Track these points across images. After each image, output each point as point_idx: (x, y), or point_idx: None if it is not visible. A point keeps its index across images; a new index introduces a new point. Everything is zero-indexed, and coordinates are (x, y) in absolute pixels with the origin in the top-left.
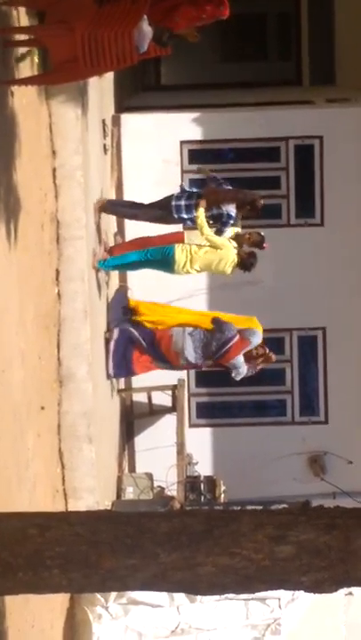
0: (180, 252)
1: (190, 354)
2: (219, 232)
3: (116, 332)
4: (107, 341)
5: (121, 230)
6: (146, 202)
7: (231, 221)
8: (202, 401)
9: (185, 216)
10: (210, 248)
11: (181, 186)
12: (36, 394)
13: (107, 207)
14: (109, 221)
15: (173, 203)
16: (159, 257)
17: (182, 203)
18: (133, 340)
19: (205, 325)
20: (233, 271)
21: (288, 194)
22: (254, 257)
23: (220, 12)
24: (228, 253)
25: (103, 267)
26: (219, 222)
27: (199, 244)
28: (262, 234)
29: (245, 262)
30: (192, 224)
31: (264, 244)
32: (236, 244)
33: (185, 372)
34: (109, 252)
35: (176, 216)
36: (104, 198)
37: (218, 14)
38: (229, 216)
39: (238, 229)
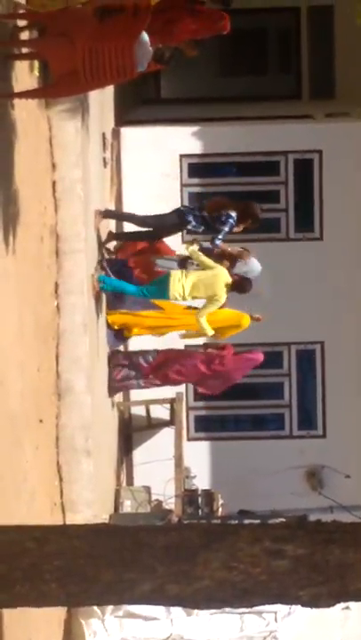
0: (174, 281)
1: None
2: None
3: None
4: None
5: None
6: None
7: (231, 221)
8: (200, 414)
9: (193, 223)
10: (202, 271)
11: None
12: (34, 406)
13: (106, 214)
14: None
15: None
16: (154, 292)
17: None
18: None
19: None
20: (227, 292)
21: (287, 208)
22: (249, 282)
23: (221, 26)
24: (220, 273)
25: (104, 281)
26: (218, 222)
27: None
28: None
29: (241, 285)
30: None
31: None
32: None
33: (184, 386)
34: (115, 254)
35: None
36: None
37: (218, 29)
38: (229, 215)
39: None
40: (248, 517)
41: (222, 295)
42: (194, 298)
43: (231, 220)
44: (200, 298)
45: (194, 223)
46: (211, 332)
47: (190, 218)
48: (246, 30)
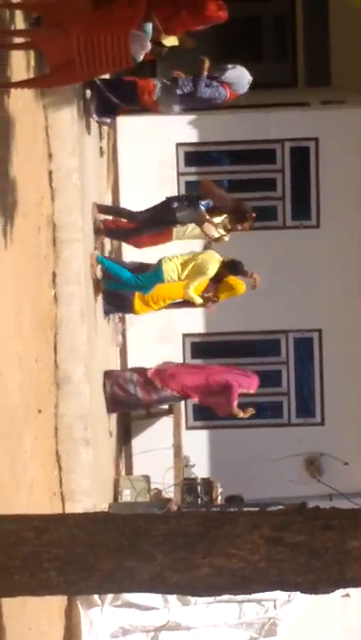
0: (167, 264)
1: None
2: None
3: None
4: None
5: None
6: (140, 208)
7: (200, 208)
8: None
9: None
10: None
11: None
12: (32, 397)
13: (102, 209)
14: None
15: (175, 205)
16: (148, 279)
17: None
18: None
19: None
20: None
21: (284, 196)
22: (240, 263)
23: (219, 16)
24: (212, 255)
25: (102, 262)
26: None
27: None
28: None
29: (233, 264)
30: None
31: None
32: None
33: None
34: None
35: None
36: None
37: (216, 19)
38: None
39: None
40: (237, 505)
41: (213, 272)
42: (187, 277)
43: (200, 208)
44: (193, 278)
45: (178, 206)
46: (200, 301)
47: (175, 204)
48: (241, 18)
